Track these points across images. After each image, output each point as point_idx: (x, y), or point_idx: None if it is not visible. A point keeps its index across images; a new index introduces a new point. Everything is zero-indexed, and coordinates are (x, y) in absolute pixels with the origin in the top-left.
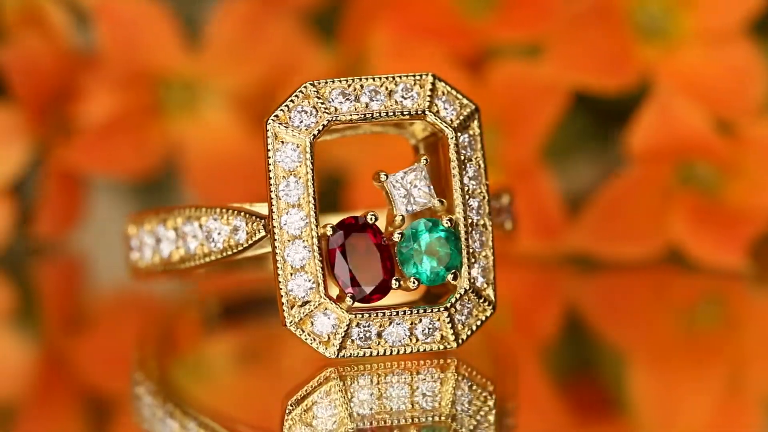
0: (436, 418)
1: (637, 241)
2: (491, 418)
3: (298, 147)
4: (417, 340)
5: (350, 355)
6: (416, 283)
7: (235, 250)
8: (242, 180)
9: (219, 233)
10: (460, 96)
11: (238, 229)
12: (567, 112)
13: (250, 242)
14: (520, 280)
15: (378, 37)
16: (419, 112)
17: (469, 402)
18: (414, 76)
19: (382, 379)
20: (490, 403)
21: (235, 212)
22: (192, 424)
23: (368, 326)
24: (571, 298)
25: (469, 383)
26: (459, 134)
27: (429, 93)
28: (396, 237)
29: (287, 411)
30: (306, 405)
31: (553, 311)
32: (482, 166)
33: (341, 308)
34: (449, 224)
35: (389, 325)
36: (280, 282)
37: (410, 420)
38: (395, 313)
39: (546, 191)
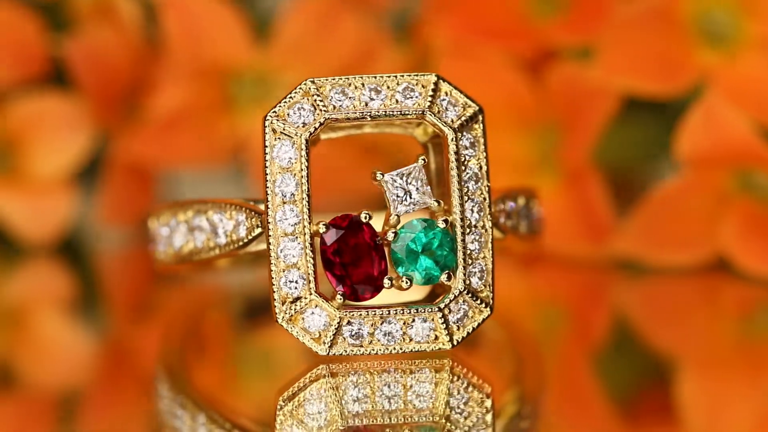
0: (430, 418)
1: (686, 247)
2: (488, 419)
3: (294, 144)
4: (410, 339)
5: (342, 353)
6: (409, 282)
7: (237, 245)
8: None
9: (223, 228)
10: (463, 97)
11: (240, 224)
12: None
13: (249, 237)
14: (567, 283)
15: (440, 36)
16: (419, 112)
17: (465, 403)
18: (417, 75)
19: (375, 378)
20: (487, 404)
21: (238, 207)
22: (202, 416)
23: (360, 324)
24: (619, 302)
25: (465, 384)
26: (459, 135)
27: (431, 93)
28: (390, 236)
29: (279, 407)
30: (297, 401)
31: (601, 315)
32: (484, 167)
33: (332, 306)
34: (444, 225)
35: (381, 324)
36: (273, 277)
37: (403, 420)
38: (387, 312)
39: (595, 194)
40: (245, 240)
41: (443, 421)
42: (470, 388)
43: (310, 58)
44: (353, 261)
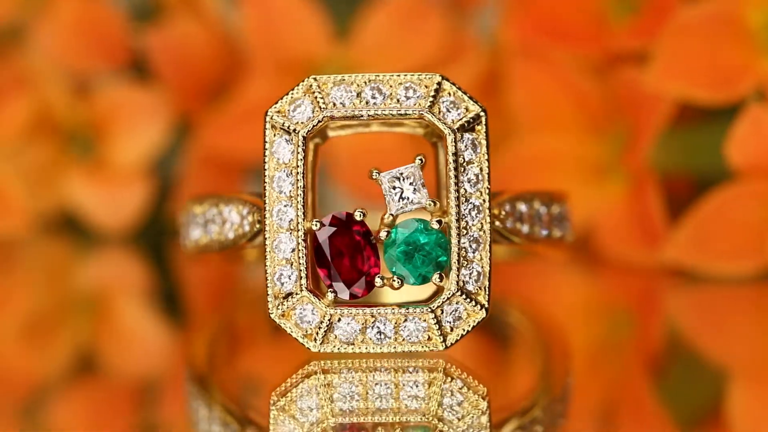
0: (422, 419)
1: (737, 256)
2: (484, 420)
3: (292, 141)
4: (403, 339)
5: (333, 350)
6: (400, 282)
7: (244, 239)
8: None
9: (231, 221)
10: (466, 98)
11: (244, 218)
12: None
13: (253, 232)
14: (625, 289)
15: (509, 35)
16: (418, 113)
17: (459, 404)
18: (421, 75)
19: (367, 376)
20: (483, 406)
21: (243, 202)
22: (218, 410)
23: (351, 322)
24: (672, 310)
25: (460, 385)
26: (459, 136)
27: (433, 94)
28: (383, 235)
29: (272, 402)
30: (291, 397)
31: (656, 323)
32: (484, 169)
33: (323, 303)
34: (438, 225)
35: (373, 323)
36: (267, 273)
37: (394, 419)
38: (379, 311)
39: (652, 199)
40: (249, 234)
41: (436, 421)
42: (465, 389)
43: (391, 55)
44: (342, 260)
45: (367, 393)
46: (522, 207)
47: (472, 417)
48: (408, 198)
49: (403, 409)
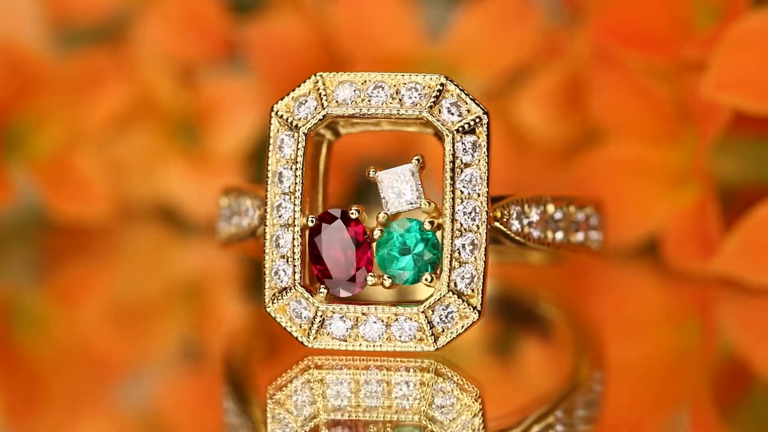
0: (413, 418)
1: None
2: (477, 422)
3: (294, 136)
4: (394, 339)
5: (326, 346)
6: (390, 281)
7: (254, 232)
8: None
9: (247, 214)
10: (469, 101)
11: (257, 211)
12: None
13: (261, 225)
14: (682, 299)
15: (584, 38)
16: (418, 113)
17: (451, 405)
18: (425, 76)
19: (359, 374)
20: (475, 408)
21: (254, 195)
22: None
23: (341, 319)
24: (724, 321)
25: (452, 386)
26: (458, 138)
27: (435, 95)
28: (376, 234)
29: (269, 395)
30: (287, 392)
31: (711, 334)
32: (483, 172)
33: (316, 299)
34: (430, 226)
35: (365, 320)
36: (266, 267)
37: (385, 417)
38: (370, 309)
39: (709, 207)
40: (257, 227)
41: (426, 421)
42: (457, 390)
43: (485, 55)
44: (335, 256)
45: (359, 390)
46: (532, 210)
47: (464, 418)
48: (404, 198)
49: (394, 408)
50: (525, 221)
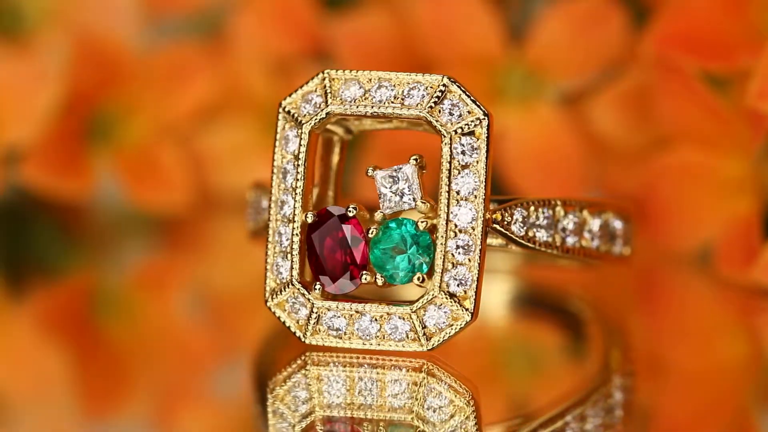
0: (405, 418)
1: None
2: (470, 424)
3: (298, 133)
4: (387, 337)
5: (322, 343)
6: (383, 280)
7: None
8: (561, 176)
9: (264, 209)
10: (470, 102)
11: (266, 206)
12: None
13: None
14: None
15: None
16: (418, 113)
17: (443, 405)
18: (428, 76)
19: (354, 372)
20: (468, 410)
21: (266, 190)
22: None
23: (337, 317)
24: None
25: (445, 386)
26: (456, 139)
27: (437, 95)
28: (371, 232)
29: (269, 389)
30: (287, 387)
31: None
32: (482, 174)
33: (312, 296)
34: (423, 226)
35: (359, 318)
36: (267, 262)
37: (377, 416)
38: (364, 308)
39: (754, 216)
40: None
41: (418, 421)
42: (450, 392)
43: (567, 57)
44: (330, 253)
45: (353, 388)
46: (539, 214)
47: (457, 420)
48: (401, 197)
49: (387, 407)
50: (530, 224)
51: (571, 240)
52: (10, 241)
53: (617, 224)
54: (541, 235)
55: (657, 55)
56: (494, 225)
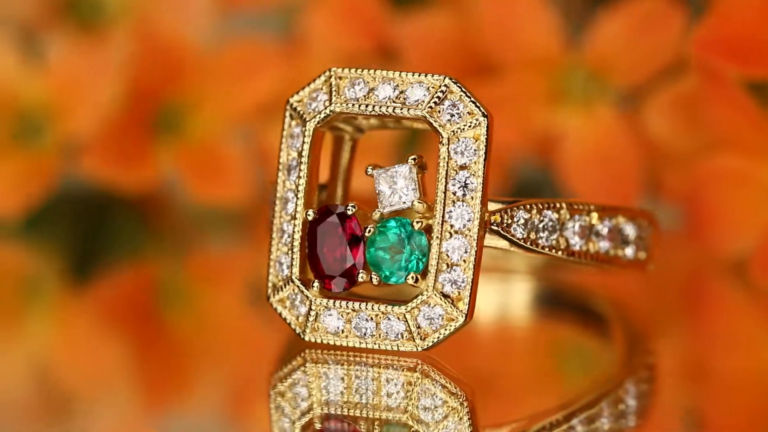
0: (399, 417)
1: None
2: (463, 425)
3: (303, 130)
4: (383, 336)
5: (321, 341)
6: (377, 279)
7: None
8: (617, 179)
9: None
10: (470, 103)
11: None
12: None
13: None
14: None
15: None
16: (418, 113)
17: (437, 406)
18: (432, 76)
19: (351, 370)
20: (463, 411)
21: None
22: None
23: (335, 314)
24: None
25: (440, 387)
26: (453, 140)
27: (438, 96)
28: (368, 231)
29: (273, 386)
30: (289, 383)
31: None
32: (479, 175)
33: (310, 293)
34: (419, 226)
35: (356, 317)
36: (271, 258)
37: (373, 415)
38: (360, 306)
39: None
40: None
41: (412, 421)
42: (444, 393)
43: (627, 59)
44: (329, 251)
45: (350, 386)
46: (543, 216)
47: (451, 420)
48: (398, 197)
49: (383, 406)
50: (533, 227)
51: (576, 243)
52: (76, 232)
53: (629, 229)
54: (545, 237)
55: (699, 59)
56: (493, 227)
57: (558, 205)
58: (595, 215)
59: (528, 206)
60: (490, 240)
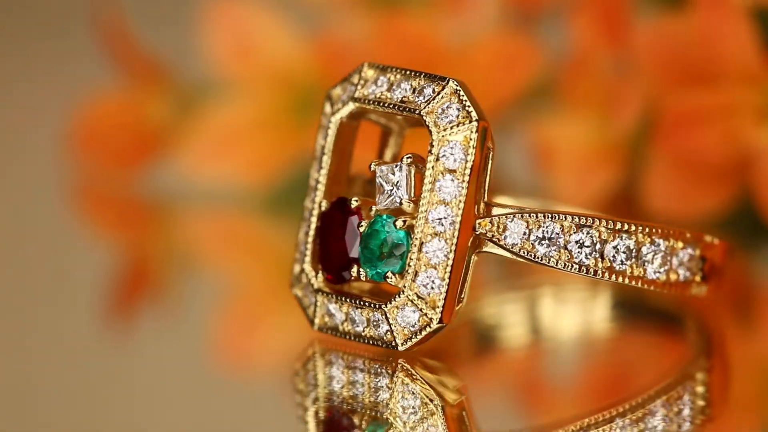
0: (383, 414)
1: None
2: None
3: (330, 122)
4: (372, 332)
5: (325, 332)
6: (364, 274)
7: None
8: None
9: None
10: (470, 107)
11: None
12: None
13: None
14: None
15: None
16: (417, 113)
17: (416, 408)
18: (435, 76)
19: (347, 362)
20: (439, 417)
21: None
22: None
23: (334, 307)
24: None
25: (418, 388)
26: (444, 142)
27: (438, 97)
28: (362, 227)
29: (295, 372)
30: (306, 369)
31: None
32: (466, 179)
33: (317, 284)
34: (402, 225)
35: (352, 311)
36: (297, 248)
37: (361, 409)
38: (353, 301)
39: None
40: None
41: (393, 419)
42: (422, 395)
43: None
44: (331, 243)
45: (348, 380)
46: (540, 226)
47: (429, 422)
48: (391, 195)
49: (371, 401)
50: (529, 237)
51: (580, 255)
52: None
53: (646, 248)
54: (542, 248)
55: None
56: (480, 232)
57: (561, 216)
58: (603, 229)
59: (523, 215)
60: (489, 247)
